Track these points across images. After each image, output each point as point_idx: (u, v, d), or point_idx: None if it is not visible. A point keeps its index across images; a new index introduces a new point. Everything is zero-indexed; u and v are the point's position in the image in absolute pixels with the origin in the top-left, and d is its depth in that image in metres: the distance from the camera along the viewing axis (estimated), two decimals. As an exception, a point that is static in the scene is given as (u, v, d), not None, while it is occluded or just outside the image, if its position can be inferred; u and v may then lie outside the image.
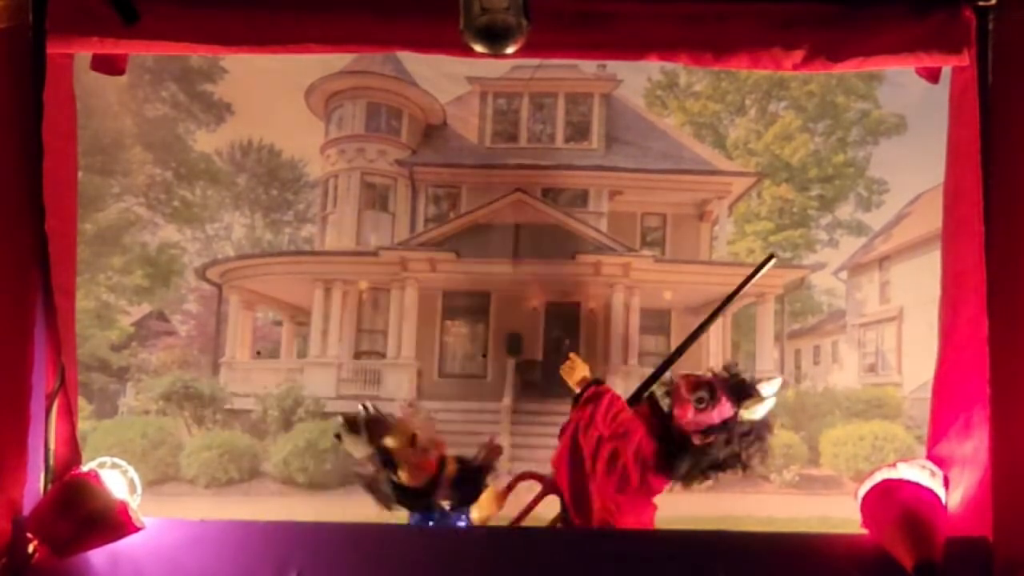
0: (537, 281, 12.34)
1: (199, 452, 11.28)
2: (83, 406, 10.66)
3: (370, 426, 3.36)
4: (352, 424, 3.35)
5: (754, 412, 3.17)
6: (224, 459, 11.17)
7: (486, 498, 3.38)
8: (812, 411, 11.87)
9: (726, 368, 3.25)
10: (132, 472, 3.10)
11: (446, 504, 3.34)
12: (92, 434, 10.84)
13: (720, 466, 3.19)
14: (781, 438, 11.54)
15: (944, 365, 3.03)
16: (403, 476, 3.30)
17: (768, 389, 3.18)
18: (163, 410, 11.73)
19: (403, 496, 3.33)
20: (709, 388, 3.15)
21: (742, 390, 3.18)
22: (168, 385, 11.88)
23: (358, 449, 3.35)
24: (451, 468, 3.35)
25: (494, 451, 3.49)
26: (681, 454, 3.18)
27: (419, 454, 3.31)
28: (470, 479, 3.38)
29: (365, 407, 3.47)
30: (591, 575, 2.93)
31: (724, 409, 3.15)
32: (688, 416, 3.16)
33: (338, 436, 3.39)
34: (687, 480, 3.22)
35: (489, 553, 2.99)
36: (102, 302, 12.34)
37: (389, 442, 3.32)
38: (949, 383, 3.00)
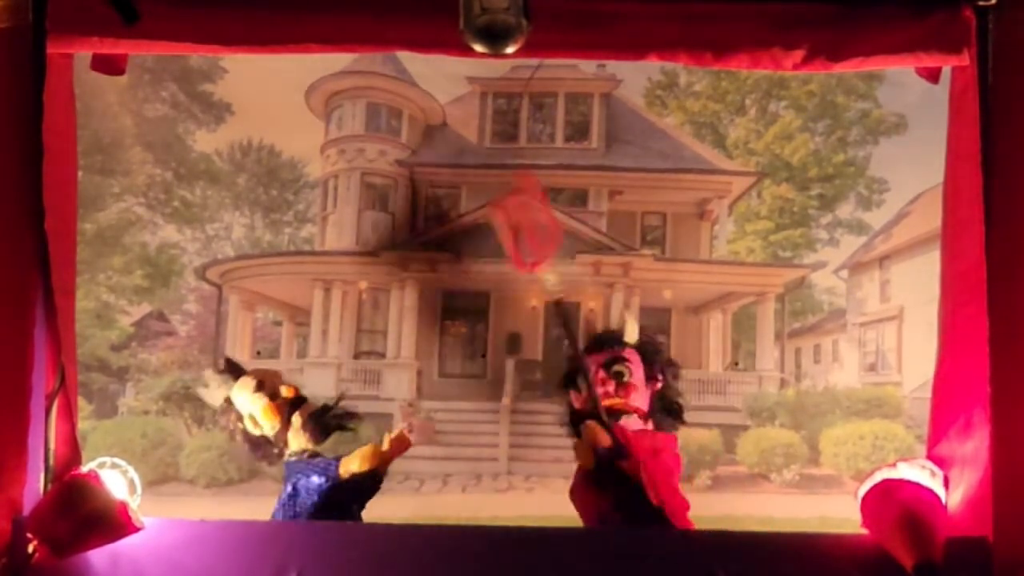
0: (537, 281, 12.35)
1: (199, 452, 11.30)
2: (83, 406, 10.69)
3: (229, 372, 3.42)
4: (221, 370, 3.43)
5: (630, 335, 3.22)
6: (224, 459, 11.19)
7: (361, 452, 3.25)
8: (812, 410, 11.88)
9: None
10: (132, 472, 3.10)
11: (295, 450, 3.33)
12: (92, 434, 10.86)
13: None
14: (781, 437, 11.54)
15: (944, 365, 3.03)
16: (249, 424, 3.35)
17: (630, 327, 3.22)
18: (163, 410, 11.75)
19: (252, 444, 3.38)
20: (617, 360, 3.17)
21: (607, 339, 3.23)
22: (168, 385, 11.90)
23: (217, 394, 3.40)
24: (302, 414, 3.33)
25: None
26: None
27: (264, 400, 3.33)
28: (319, 422, 3.35)
29: (227, 358, 3.53)
30: (591, 575, 2.93)
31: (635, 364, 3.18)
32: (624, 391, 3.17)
33: (206, 385, 3.44)
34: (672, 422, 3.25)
35: (489, 553, 2.99)
36: (102, 302, 12.36)
37: (235, 391, 3.37)
38: (949, 383, 3.00)
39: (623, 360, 3.17)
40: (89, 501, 2.91)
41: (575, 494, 3.16)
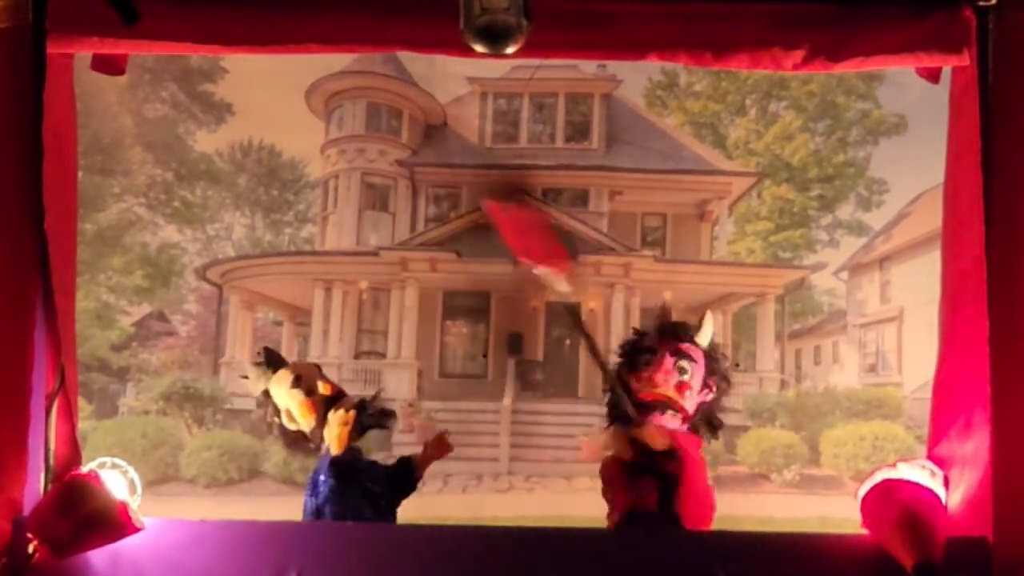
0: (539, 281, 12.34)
1: (199, 452, 11.29)
2: (83, 406, 10.68)
3: (268, 364, 3.40)
4: (259, 362, 3.41)
5: (704, 337, 3.21)
6: (224, 459, 11.19)
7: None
8: (813, 411, 11.87)
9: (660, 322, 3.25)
10: (132, 472, 3.10)
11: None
12: (92, 434, 10.85)
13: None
14: (782, 438, 11.54)
15: (944, 365, 3.03)
16: (286, 419, 3.35)
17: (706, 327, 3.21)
18: (163, 410, 11.74)
19: (287, 439, 3.39)
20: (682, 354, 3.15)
21: (684, 331, 3.21)
22: (168, 385, 11.89)
23: (256, 386, 3.40)
24: (341, 410, 3.31)
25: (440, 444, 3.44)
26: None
27: (300, 395, 3.32)
28: (355, 420, 3.33)
29: (266, 348, 3.51)
30: (591, 575, 2.93)
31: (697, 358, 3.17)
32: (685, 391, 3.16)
33: (245, 376, 3.44)
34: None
35: (489, 553, 2.99)
36: (102, 302, 12.35)
37: (273, 384, 3.36)
38: (949, 383, 3.00)
39: (690, 358, 3.16)
40: (89, 501, 2.91)
41: (611, 480, 3.13)
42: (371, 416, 3.38)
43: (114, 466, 3.08)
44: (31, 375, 2.90)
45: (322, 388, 3.35)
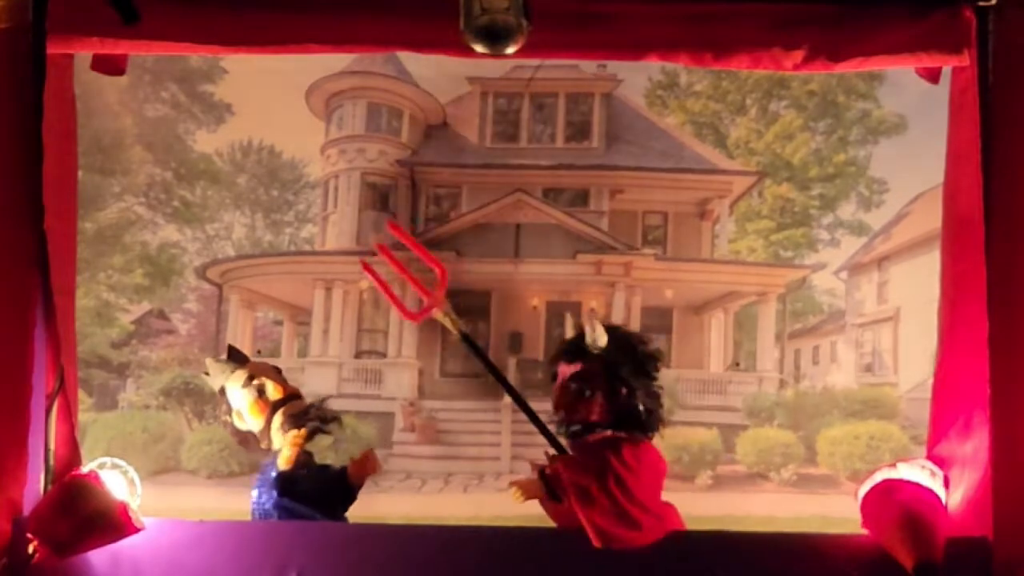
0: (538, 280, 12.36)
1: (200, 446, 11.29)
2: (83, 399, 10.65)
3: (231, 361, 3.42)
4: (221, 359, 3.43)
5: (596, 343, 3.15)
6: (224, 453, 11.17)
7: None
8: (811, 411, 11.87)
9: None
10: (132, 472, 3.10)
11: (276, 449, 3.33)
12: (92, 426, 10.83)
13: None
14: (780, 437, 11.54)
15: (944, 365, 3.03)
16: (236, 419, 3.38)
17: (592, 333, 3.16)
18: (163, 405, 11.74)
19: (238, 437, 3.41)
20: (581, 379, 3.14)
21: (570, 348, 3.19)
22: (168, 381, 11.89)
23: (215, 382, 3.41)
24: (284, 413, 3.31)
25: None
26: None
27: (252, 395, 3.33)
28: (297, 423, 3.30)
29: (230, 346, 3.54)
30: (590, 575, 2.93)
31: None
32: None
33: (207, 373, 3.45)
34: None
35: (489, 553, 2.99)
36: (102, 301, 12.35)
37: (229, 383, 3.37)
38: (949, 383, 3.00)
39: (581, 377, 3.12)
40: (89, 501, 2.91)
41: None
42: (311, 420, 3.34)
43: (114, 466, 3.08)
44: (31, 375, 2.91)
45: (272, 391, 3.35)
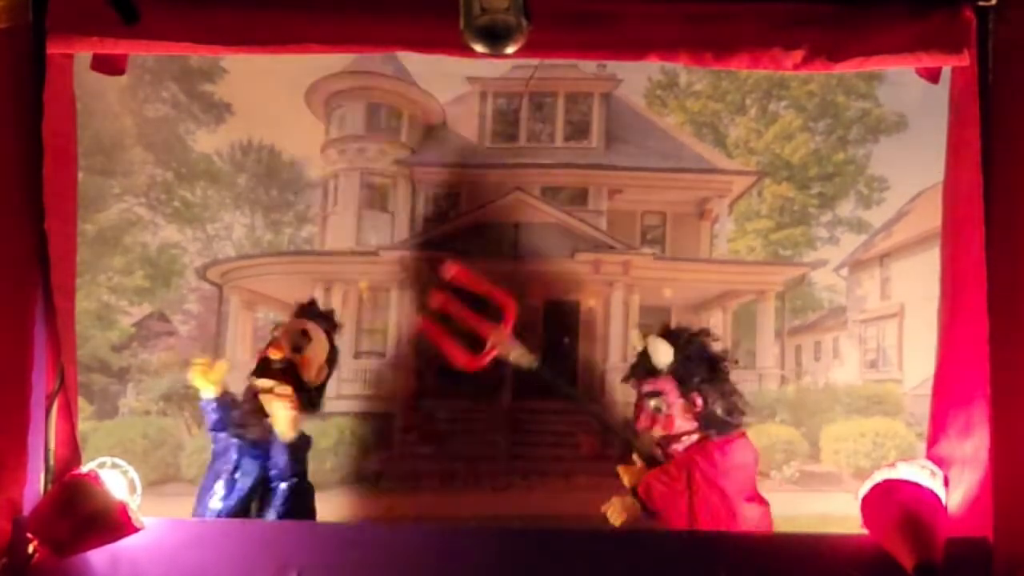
0: (537, 279, 12.34)
1: (200, 452, 11.26)
2: (84, 407, 10.58)
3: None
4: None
5: (660, 361, 3.26)
6: (224, 458, 11.16)
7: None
8: (813, 407, 11.85)
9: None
10: (132, 472, 3.10)
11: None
12: (93, 435, 10.83)
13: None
14: (782, 434, 11.54)
15: (944, 364, 3.03)
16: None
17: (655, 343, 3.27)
18: (163, 411, 11.73)
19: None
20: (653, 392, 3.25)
21: (642, 368, 3.31)
22: (168, 386, 11.87)
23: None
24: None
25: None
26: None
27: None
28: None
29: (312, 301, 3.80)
30: (591, 575, 2.93)
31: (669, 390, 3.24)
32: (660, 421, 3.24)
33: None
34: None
35: (489, 553, 2.99)
36: (103, 303, 12.33)
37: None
38: (949, 382, 3.00)
39: (657, 394, 3.26)
40: (89, 501, 2.91)
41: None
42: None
43: (114, 466, 3.08)
44: (31, 375, 2.90)
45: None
